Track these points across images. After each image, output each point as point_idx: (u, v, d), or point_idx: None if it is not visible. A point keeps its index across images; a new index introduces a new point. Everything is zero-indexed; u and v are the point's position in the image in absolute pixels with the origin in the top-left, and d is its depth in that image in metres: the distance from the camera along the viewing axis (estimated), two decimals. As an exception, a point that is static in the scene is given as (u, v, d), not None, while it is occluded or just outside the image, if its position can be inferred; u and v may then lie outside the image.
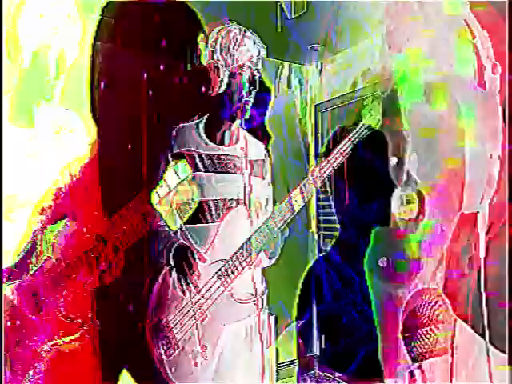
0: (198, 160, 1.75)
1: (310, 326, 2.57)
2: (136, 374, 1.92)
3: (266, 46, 1.81)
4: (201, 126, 1.81)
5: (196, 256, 1.71)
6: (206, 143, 1.78)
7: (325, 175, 1.77)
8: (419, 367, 1.73)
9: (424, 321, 1.72)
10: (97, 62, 1.89)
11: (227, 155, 1.79)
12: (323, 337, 2.52)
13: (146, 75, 1.98)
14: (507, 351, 1.67)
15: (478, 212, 1.71)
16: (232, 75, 1.74)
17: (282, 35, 2.29)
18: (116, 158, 1.82)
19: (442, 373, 1.71)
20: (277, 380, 2.28)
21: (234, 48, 1.73)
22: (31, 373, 1.48)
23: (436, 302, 1.73)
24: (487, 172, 1.69)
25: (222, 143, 1.80)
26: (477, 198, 1.71)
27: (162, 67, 2.00)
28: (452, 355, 1.69)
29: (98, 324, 1.61)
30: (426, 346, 1.71)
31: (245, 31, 1.76)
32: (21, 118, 1.50)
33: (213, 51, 1.74)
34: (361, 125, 1.78)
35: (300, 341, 2.50)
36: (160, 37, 1.98)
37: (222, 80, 1.73)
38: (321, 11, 2.24)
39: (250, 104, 1.79)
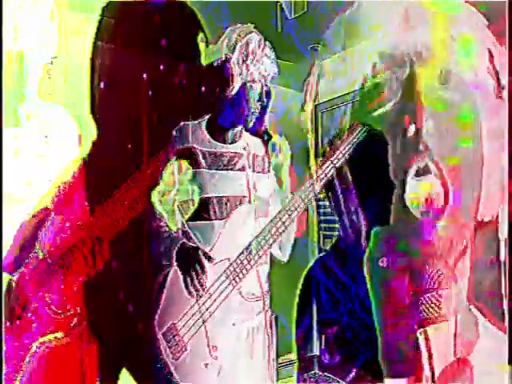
0: (200, 157, 1.74)
1: (310, 327, 2.57)
2: (136, 373, 1.92)
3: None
4: (203, 124, 1.80)
5: (202, 255, 1.69)
6: (209, 141, 1.78)
7: (327, 177, 1.75)
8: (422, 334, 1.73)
9: (428, 286, 1.73)
10: (96, 62, 1.89)
11: (230, 153, 1.78)
12: (323, 341, 2.52)
13: (146, 75, 1.98)
14: (507, 351, 1.67)
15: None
16: (243, 85, 1.73)
17: (282, 35, 2.29)
18: (116, 157, 1.82)
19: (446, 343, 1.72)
20: (277, 380, 2.28)
21: (251, 62, 1.73)
22: (23, 371, 1.48)
23: (439, 268, 1.73)
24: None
25: (224, 141, 1.80)
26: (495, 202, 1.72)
27: (161, 67, 2.00)
28: (456, 323, 1.70)
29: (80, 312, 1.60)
30: (431, 311, 1.72)
31: (264, 46, 1.76)
32: (6, 117, 1.50)
33: (227, 55, 1.72)
34: (360, 128, 1.78)
35: (299, 342, 2.50)
36: (160, 37, 1.98)
37: (233, 86, 1.72)
38: (321, 11, 2.24)
39: (255, 116, 1.78)
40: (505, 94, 1.69)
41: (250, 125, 1.79)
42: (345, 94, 2.52)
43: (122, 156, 1.83)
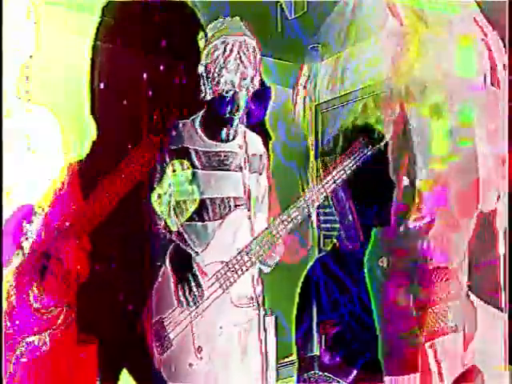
0: (194, 157, 1.70)
1: (310, 328, 2.58)
2: (136, 373, 1.92)
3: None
4: (197, 121, 1.77)
5: (194, 262, 1.66)
6: (203, 140, 1.72)
7: (328, 190, 1.69)
8: (431, 346, 1.73)
9: (435, 298, 1.72)
10: (97, 62, 1.89)
11: (224, 152, 1.74)
12: (323, 341, 2.52)
13: (146, 75, 1.98)
14: (507, 351, 1.68)
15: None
16: (214, 91, 1.65)
17: (282, 35, 2.29)
18: (116, 157, 1.82)
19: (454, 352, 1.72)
20: (277, 380, 2.28)
21: (214, 72, 1.64)
22: (18, 371, 1.48)
23: (447, 279, 1.73)
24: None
25: (219, 139, 1.74)
26: (493, 197, 1.73)
27: (162, 67, 2.00)
28: (464, 333, 1.70)
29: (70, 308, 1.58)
30: (438, 324, 1.72)
31: (228, 55, 1.62)
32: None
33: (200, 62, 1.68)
34: (362, 142, 1.71)
35: (299, 342, 2.50)
36: (160, 37, 1.98)
37: (204, 92, 1.67)
38: (321, 11, 2.24)
39: (236, 120, 1.72)
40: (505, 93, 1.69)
41: (234, 125, 1.74)
42: (345, 94, 2.53)
43: (122, 156, 1.83)
